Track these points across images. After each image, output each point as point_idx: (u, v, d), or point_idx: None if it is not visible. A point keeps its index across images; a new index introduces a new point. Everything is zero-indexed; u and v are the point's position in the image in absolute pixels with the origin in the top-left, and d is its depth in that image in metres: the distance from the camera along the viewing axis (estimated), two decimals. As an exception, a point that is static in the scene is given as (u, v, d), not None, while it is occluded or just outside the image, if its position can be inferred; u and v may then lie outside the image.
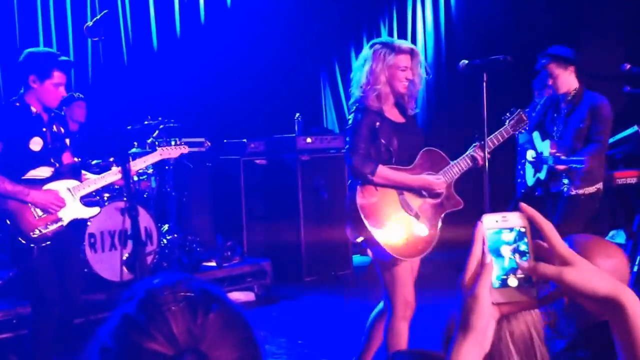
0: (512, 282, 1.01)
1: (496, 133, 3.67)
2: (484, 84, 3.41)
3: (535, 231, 1.02)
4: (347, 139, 3.54)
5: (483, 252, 1.01)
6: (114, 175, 4.06)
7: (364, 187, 3.47)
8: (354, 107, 3.56)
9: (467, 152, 3.59)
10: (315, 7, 8.15)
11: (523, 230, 1.02)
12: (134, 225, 3.92)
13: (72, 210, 3.89)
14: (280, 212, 6.83)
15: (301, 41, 8.09)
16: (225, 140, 7.10)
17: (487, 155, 3.49)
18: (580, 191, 4.69)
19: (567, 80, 4.83)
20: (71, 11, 6.90)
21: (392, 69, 3.47)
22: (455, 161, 3.57)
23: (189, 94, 7.30)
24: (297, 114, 6.96)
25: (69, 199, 3.86)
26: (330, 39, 8.41)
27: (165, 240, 6.05)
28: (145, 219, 5.35)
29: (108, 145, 5.96)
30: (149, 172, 6.02)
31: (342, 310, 5.58)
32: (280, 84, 7.89)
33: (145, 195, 5.99)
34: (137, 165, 4.31)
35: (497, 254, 1.02)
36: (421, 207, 3.52)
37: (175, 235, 6.22)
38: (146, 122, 6.09)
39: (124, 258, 5.24)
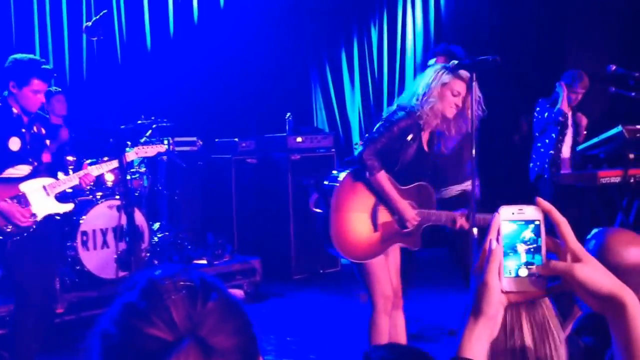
0: (523, 272, 1.06)
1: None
2: (473, 83, 3.46)
3: (549, 225, 1.06)
4: (377, 126, 3.58)
5: (490, 240, 1.06)
6: (84, 172, 4.19)
7: (353, 179, 3.53)
8: (403, 107, 3.58)
9: (448, 212, 3.60)
10: (307, 8, 8.21)
11: (538, 223, 1.06)
12: (130, 221, 4.00)
13: (46, 207, 3.99)
14: (270, 211, 6.89)
15: (292, 41, 8.15)
16: (216, 140, 7.16)
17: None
18: None
19: None
20: (67, 10, 6.93)
21: (445, 88, 3.54)
22: (438, 211, 3.61)
23: (182, 94, 7.35)
24: (288, 114, 7.01)
25: (42, 197, 3.97)
26: (321, 39, 8.48)
27: (156, 238, 6.10)
28: (137, 217, 5.39)
29: (102, 144, 5.99)
30: (141, 170, 6.07)
31: (330, 308, 5.66)
32: (272, 83, 7.95)
33: (137, 194, 6.03)
34: (104, 168, 4.39)
35: (512, 248, 1.06)
36: (385, 224, 3.57)
37: (167, 233, 6.27)
38: (139, 122, 6.13)
39: (116, 255, 5.32)
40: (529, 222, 1.06)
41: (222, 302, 0.92)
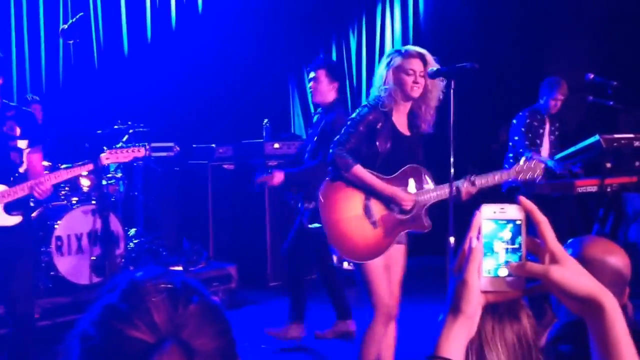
0: (503, 272, 1.04)
1: (495, 172, 3.65)
2: (452, 90, 3.46)
3: (530, 225, 1.05)
4: (344, 128, 3.57)
5: (470, 238, 1.05)
6: (35, 182, 3.75)
7: (333, 182, 3.51)
8: (364, 103, 3.61)
9: (456, 183, 3.51)
10: (285, 14, 8.20)
11: (519, 223, 1.05)
12: (105, 226, 3.90)
13: None
14: (247, 217, 6.84)
15: (270, 47, 8.13)
16: (194, 145, 7.10)
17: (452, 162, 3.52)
18: None
19: None
20: (44, 13, 6.85)
21: (399, 71, 3.52)
22: (437, 186, 3.56)
23: (159, 99, 7.29)
24: (266, 120, 6.98)
25: None
26: (299, 46, 8.46)
27: (132, 244, 6.04)
28: (112, 223, 5.33)
29: (77, 149, 5.91)
30: (117, 176, 6.01)
31: (306, 316, 5.61)
32: (249, 90, 7.92)
33: (113, 199, 5.97)
34: (63, 176, 4.00)
35: (492, 247, 1.05)
36: (383, 218, 3.52)
37: (143, 239, 6.21)
38: (116, 127, 6.07)
39: (92, 261, 5.25)
40: (510, 221, 1.05)
41: (204, 305, 0.91)
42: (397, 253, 3.63)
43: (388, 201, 3.50)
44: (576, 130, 6.40)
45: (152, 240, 6.27)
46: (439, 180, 3.64)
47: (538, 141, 6.06)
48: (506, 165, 6.07)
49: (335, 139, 3.58)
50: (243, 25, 7.92)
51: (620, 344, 0.99)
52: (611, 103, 5.55)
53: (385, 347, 3.60)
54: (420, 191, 3.56)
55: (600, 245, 1.94)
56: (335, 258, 6.69)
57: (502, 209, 1.05)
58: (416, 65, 3.52)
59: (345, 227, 3.48)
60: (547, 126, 6.12)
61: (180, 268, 6.03)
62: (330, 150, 3.52)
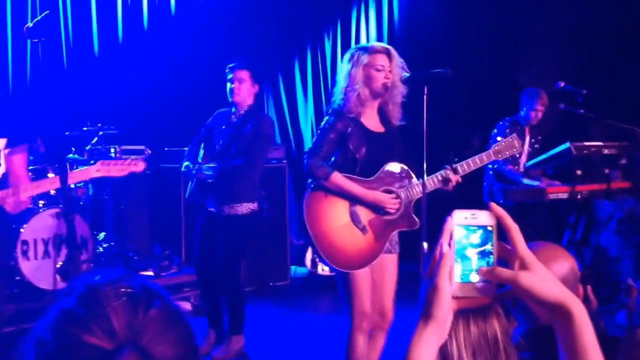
0: (474, 278, 1.05)
1: (475, 156, 3.60)
2: (425, 96, 3.45)
3: (501, 232, 1.05)
4: (314, 138, 3.52)
5: (441, 244, 1.05)
6: None
7: (314, 192, 3.44)
8: (329, 110, 3.54)
9: (438, 173, 3.50)
10: (260, 17, 8.16)
11: (490, 229, 1.05)
12: (70, 229, 3.78)
13: None
14: (219, 222, 6.76)
15: (244, 51, 8.07)
16: (165, 149, 7.01)
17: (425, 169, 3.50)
18: None
19: None
20: (11, 11, 6.72)
21: (367, 68, 3.46)
22: (420, 180, 3.48)
23: (130, 101, 7.19)
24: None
25: None
26: (274, 51, 8.42)
27: (101, 249, 5.93)
28: (80, 227, 5.23)
29: (46, 150, 5.81)
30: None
31: (279, 322, 5.57)
32: (223, 93, 7.81)
33: (81, 203, 5.86)
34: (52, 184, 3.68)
35: (464, 253, 1.05)
36: (371, 222, 3.46)
37: (112, 244, 6.11)
38: (85, 128, 5.97)
39: (58, 266, 5.14)
40: (481, 227, 1.05)
41: (165, 311, 0.90)
42: (390, 263, 3.58)
43: (371, 206, 3.46)
44: (547, 137, 6.44)
45: (122, 245, 6.17)
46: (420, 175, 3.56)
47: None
48: (491, 172, 6.07)
49: (307, 149, 3.53)
50: (217, 28, 7.86)
51: (588, 350, 1.00)
52: (582, 111, 5.60)
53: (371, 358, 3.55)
54: (404, 188, 3.50)
55: (544, 252, 1.91)
56: (309, 262, 6.67)
57: (474, 215, 1.06)
58: (384, 60, 3.49)
59: (335, 238, 3.40)
60: (527, 138, 6.14)
61: (151, 273, 5.95)
62: (305, 161, 3.45)
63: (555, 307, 1.01)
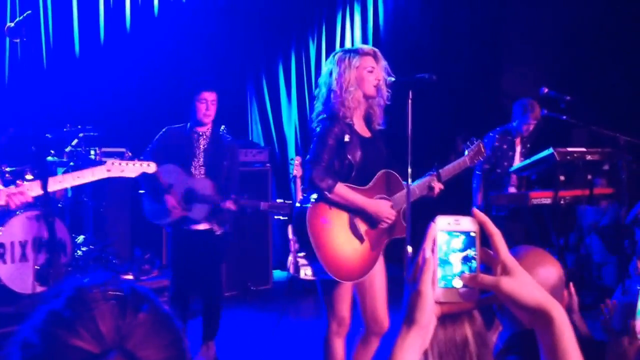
0: (457, 283, 1.05)
1: (454, 163, 3.65)
2: (410, 101, 3.43)
3: (484, 237, 1.06)
4: (312, 146, 3.45)
5: (425, 249, 1.05)
6: None
7: (318, 204, 3.38)
8: (322, 116, 3.47)
9: (422, 180, 3.53)
10: (245, 20, 8.11)
11: (473, 235, 1.05)
12: (51, 232, 3.69)
13: None
14: (201, 226, 6.69)
15: (228, 53, 8.02)
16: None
17: (410, 176, 3.50)
18: None
19: None
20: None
21: (360, 70, 3.44)
22: (414, 184, 3.50)
23: (111, 102, 7.10)
24: (222, 126, 6.86)
25: None
26: (258, 52, 8.38)
27: (80, 252, 5.84)
28: (59, 229, 5.15)
29: (24, 152, 5.71)
30: (65, 180, 5.79)
31: (260, 326, 5.51)
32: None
33: (60, 205, 5.77)
34: (68, 181, 3.58)
35: (447, 259, 1.05)
36: (367, 231, 3.46)
37: (92, 247, 6.02)
38: (65, 130, 5.89)
39: (36, 269, 5.05)
40: (464, 232, 1.06)
41: (153, 314, 0.89)
42: (379, 265, 3.56)
43: (372, 216, 3.44)
44: (531, 143, 6.45)
45: (101, 248, 6.08)
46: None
47: (505, 163, 6.08)
48: (474, 181, 6.06)
49: (307, 158, 3.47)
50: (200, 30, 7.79)
51: (568, 353, 1.01)
52: (565, 117, 5.62)
53: None
54: (395, 197, 3.51)
55: (531, 256, 1.94)
56: (291, 267, 6.62)
57: (457, 220, 1.06)
58: (373, 62, 3.49)
59: (338, 250, 3.38)
60: (519, 148, 6.14)
61: (130, 277, 5.87)
62: (307, 173, 3.39)
63: (536, 312, 1.02)
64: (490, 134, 6.09)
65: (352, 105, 3.43)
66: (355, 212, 3.42)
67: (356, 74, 3.43)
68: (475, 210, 1.06)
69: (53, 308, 0.87)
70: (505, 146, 6.06)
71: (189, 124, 4.69)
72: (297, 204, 3.53)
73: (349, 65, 3.43)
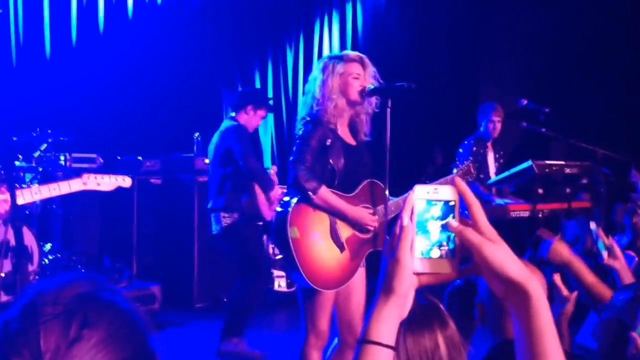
0: (435, 253, 1.03)
1: (441, 180, 3.57)
2: (388, 109, 3.36)
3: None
4: (294, 148, 3.37)
5: (402, 217, 1.03)
6: None
7: (299, 205, 3.29)
8: (306, 120, 3.40)
9: (407, 194, 3.48)
10: (221, 26, 7.99)
11: (452, 204, 1.04)
12: (18, 239, 3.55)
13: None
14: (173, 235, 6.56)
15: (204, 59, 7.90)
16: (118, 157, 6.77)
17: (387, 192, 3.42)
18: None
19: None
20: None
21: (344, 76, 3.37)
22: (394, 199, 3.44)
23: (83, 106, 6.92)
24: (197, 134, 6.74)
25: None
26: (234, 59, 8.27)
27: (47, 260, 5.66)
28: (26, 237, 4.96)
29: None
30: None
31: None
32: (180, 101, 7.65)
33: (27, 212, 5.58)
34: (43, 193, 3.46)
35: (425, 228, 1.03)
36: (349, 239, 3.38)
37: (59, 255, 5.83)
38: (34, 134, 5.72)
39: (1, 277, 4.87)
40: (443, 202, 1.04)
41: (104, 327, 0.85)
42: (359, 277, 3.48)
43: (352, 223, 3.37)
44: (510, 155, 6.44)
45: (69, 257, 5.90)
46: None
47: (486, 169, 6.08)
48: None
49: (290, 159, 3.38)
50: (175, 33, 7.66)
51: (544, 331, 0.99)
52: (543, 130, 5.61)
53: None
54: (379, 208, 3.44)
55: None
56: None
57: (436, 190, 1.05)
58: (359, 69, 3.43)
59: (316, 255, 3.29)
60: (491, 154, 6.16)
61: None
62: (291, 172, 3.31)
63: (513, 285, 0.99)
64: (466, 141, 6.10)
65: (335, 113, 3.37)
66: (337, 217, 3.35)
67: (340, 80, 3.37)
68: (457, 179, 1.05)
69: (7, 317, 0.85)
70: (482, 151, 6.09)
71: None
72: (278, 208, 3.44)
73: (332, 72, 3.38)
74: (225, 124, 5.00)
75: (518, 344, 1.02)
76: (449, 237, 1.03)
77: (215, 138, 5.03)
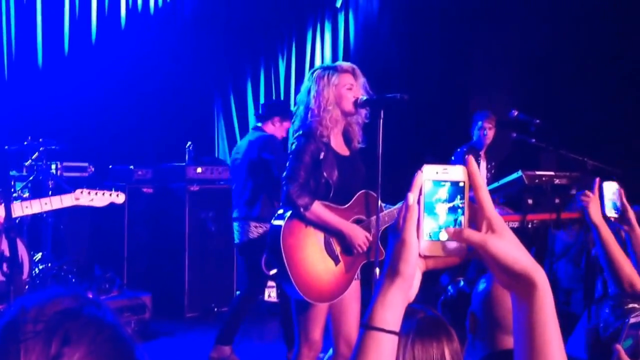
0: (443, 236, 0.99)
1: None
2: (381, 120, 3.38)
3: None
4: (288, 163, 3.38)
5: (408, 197, 0.99)
6: None
7: (292, 221, 3.31)
8: (299, 133, 3.41)
9: (400, 204, 3.51)
10: (213, 34, 8.01)
11: (462, 185, 0.99)
12: (12, 249, 3.54)
13: None
14: (164, 244, 6.55)
15: (196, 69, 7.91)
16: (110, 166, 6.76)
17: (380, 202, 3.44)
18: None
19: None
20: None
21: (339, 88, 3.39)
22: (387, 210, 3.47)
23: (75, 116, 6.92)
24: (189, 143, 6.75)
25: None
26: (226, 68, 8.28)
27: (37, 270, 5.63)
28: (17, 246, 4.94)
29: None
30: (24, 196, 5.60)
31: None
32: (173, 111, 7.65)
33: (17, 221, 5.55)
34: (32, 208, 3.54)
35: (433, 209, 0.99)
36: (343, 252, 3.40)
37: (49, 265, 5.80)
38: (25, 143, 5.70)
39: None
40: (452, 182, 1.00)
41: (86, 346, 0.83)
42: (354, 290, 3.50)
43: (346, 238, 3.39)
44: (500, 165, 6.46)
45: (60, 266, 5.87)
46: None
47: None
48: None
49: (283, 174, 3.40)
50: (168, 43, 7.67)
51: (547, 324, 0.96)
52: (533, 140, 5.64)
53: None
54: (373, 218, 3.45)
55: None
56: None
57: (445, 170, 1.00)
58: (352, 79, 3.45)
59: (310, 269, 3.30)
60: (484, 163, 6.19)
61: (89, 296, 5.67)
62: (284, 189, 3.33)
63: (519, 276, 0.95)
64: (458, 150, 6.13)
65: (330, 125, 3.38)
66: (330, 232, 3.36)
67: (335, 91, 3.39)
68: (470, 158, 1.00)
69: None
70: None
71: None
72: (273, 222, 3.45)
73: (327, 83, 3.39)
74: (255, 134, 4.98)
75: (518, 338, 0.98)
76: (456, 219, 0.99)
77: (242, 147, 4.99)
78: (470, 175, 0.99)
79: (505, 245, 0.96)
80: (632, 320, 1.96)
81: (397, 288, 0.98)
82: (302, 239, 3.32)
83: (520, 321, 0.97)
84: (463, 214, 0.99)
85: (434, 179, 1.00)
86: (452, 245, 0.99)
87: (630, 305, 2.11)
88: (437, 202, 0.99)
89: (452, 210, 0.99)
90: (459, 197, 0.99)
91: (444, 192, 0.99)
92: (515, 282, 0.96)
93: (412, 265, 0.98)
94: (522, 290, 0.96)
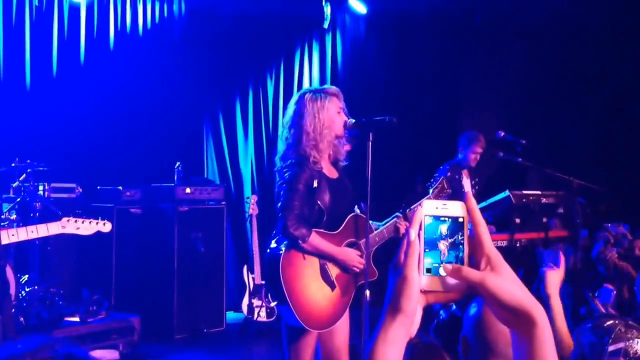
0: (443, 271, 0.99)
1: (420, 202, 3.62)
2: (370, 142, 3.41)
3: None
4: (282, 192, 3.37)
5: (409, 233, 1.00)
6: None
7: (290, 251, 3.33)
8: (290, 161, 3.40)
9: (388, 222, 3.55)
10: (202, 56, 8.03)
11: (461, 220, 1.00)
12: (2, 275, 3.51)
13: None
14: (153, 265, 6.51)
15: (185, 89, 7.91)
16: (98, 187, 6.73)
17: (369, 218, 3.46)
18: None
19: None
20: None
21: (331, 112, 3.42)
22: (377, 231, 3.51)
23: (63, 137, 6.89)
24: (178, 163, 6.74)
25: None
26: (215, 89, 8.29)
27: (24, 293, 5.58)
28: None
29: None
30: (11, 218, 5.56)
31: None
32: (161, 131, 7.63)
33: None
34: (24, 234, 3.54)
35: (434, 245, 1.00)
36: (338, 277, 3.43)
37: (36, 287, 5.75)
38: (13, 165, 5.67)
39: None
40: (452, 218, 1.00)
41: None
42: (344, 315, 3.51)
43: (341, 265, 3.43)
44: (487, 185, 6.51)
45: (46, 289, 5.81)
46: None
47: (461, 195, 6.13)
48: None
49: (278, 205, 3.39)
50: (157, 65, 7.67)
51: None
52: (520, 160, 5.70)
53: None
54: (364, 240, 3.48)
55: None
56: (245, 308, 6.45)
57: (445, 205, 1.01)
58: (340, 102, 3.49)
59: (309, 297, 3.32)
60: (467, 180, 6.24)
61: (77, 319, 5.62)
62: (281, 222, 3.33)
63: (518, 313, 0.95)
64: (441, 167, 6.19)
65: (324, 148, 3.41)
66: (326, 260, 3.40)
67: (329, 115, 3.42)
68: (469, 194, 1.01)
69: None
70: (457, 177, 6.17)
71: None
72: (269, 250, 3.47)
73: (322, 107, 3.41)
74: None
75: None
76: (457, 255, 0.99)
77: None
78: (469, 211, 0.99)
79: (504, 282, 0.96)
80: (610, 348, 1.98)
81: (399, 324, 0.98)
82: (300, 269, 3.34)
83: (521, 357, 0.97)
84: (463, 250, 0.99)
85: (433, 214, 1.00)
86: (452, 280, 0.99)
87: (609, 323, 2.15)
88: (437, 237, 1.00)
89: (452, 246, 0.99)
90: (459, 233, 1.00)
91: (442, 227, 1.00)
92: (514, 319, 0.96)
93: (414, 301, 0.98)
94: (522, 327, 0.96)
